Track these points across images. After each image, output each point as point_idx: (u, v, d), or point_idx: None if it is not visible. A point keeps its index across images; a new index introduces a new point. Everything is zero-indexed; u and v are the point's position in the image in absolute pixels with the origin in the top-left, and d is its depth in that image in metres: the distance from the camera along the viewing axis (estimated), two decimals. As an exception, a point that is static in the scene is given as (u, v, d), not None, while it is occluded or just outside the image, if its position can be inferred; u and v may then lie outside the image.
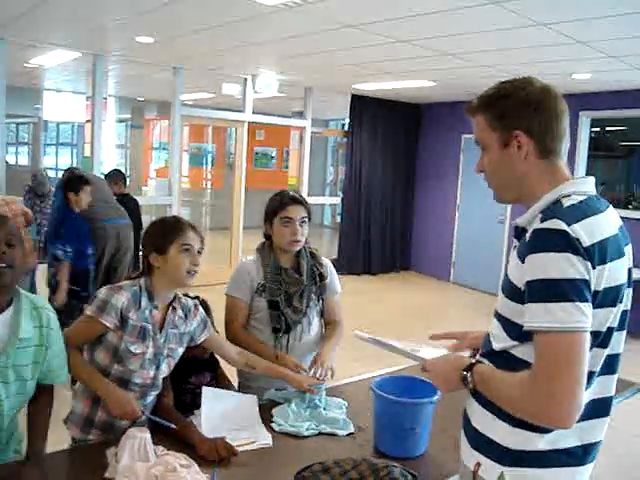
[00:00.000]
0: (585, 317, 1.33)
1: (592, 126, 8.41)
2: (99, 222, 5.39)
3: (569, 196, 1.46)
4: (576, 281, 1.33)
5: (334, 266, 3.03)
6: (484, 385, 1.50)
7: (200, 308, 2.51)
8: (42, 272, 6.07)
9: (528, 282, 1.39)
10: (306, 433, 2.30)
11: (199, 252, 2.32)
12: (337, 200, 11.15)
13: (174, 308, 2.37)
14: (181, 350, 2.41)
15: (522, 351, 1.45)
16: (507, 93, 1.54)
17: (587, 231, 1.37)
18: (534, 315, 1.36)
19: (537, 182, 1.53)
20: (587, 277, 1.34)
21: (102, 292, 2.23)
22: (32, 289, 6.61)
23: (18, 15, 5.51)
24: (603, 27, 4.68)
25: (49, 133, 14.15)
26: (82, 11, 5.27)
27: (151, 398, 2.37)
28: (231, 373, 2.84)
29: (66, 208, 5.00)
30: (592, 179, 1.55)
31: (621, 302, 1.46)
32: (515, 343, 1.48)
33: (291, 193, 2.82)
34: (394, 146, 10.51)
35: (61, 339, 2.09)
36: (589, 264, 1.34)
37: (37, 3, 5.05)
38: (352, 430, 2.35)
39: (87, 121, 8.79)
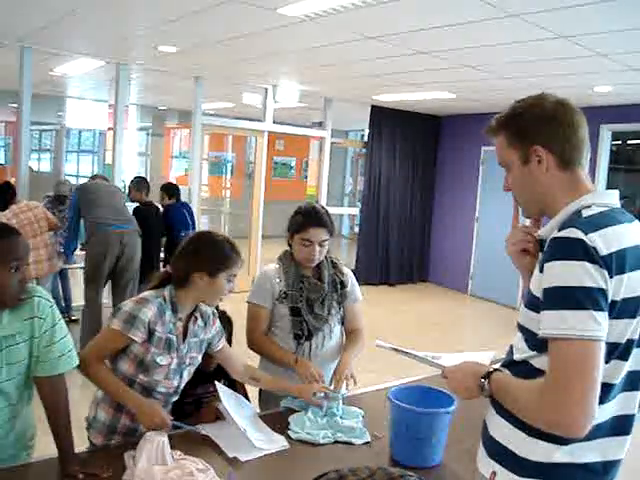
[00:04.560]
0: (600, 326, 1.32)
1: (613, 139, 8.36)
2: (103, 227, 5.53)
3: (589, 207, 1.47)
4: (592, 290, 1.33)
5: (352, 276, 3.04)
6: (500, 392, 1.51)
7: (217, 315, 2.52)
8: (76, 276, 6.17)
9: (544, 289, 1.39)
10: (322, 441, 2.31)
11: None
12: (355, 211, 11.16)
13: (195, 318, 2.38)
14: (200, 357, 2.43)
15: (540, 362, 1.45)
16: (521, 111, 1.58)
17: (604, 240, 1.36)
18: (549, 322, 1.37)
19: (560, 194, 1.54)
20: (604, 286, 1.34)
21: (128, 305, 2.21)
22: (65, 292, 6.71)
23: (44, 25, 5.60)
24: (623, 40, 4.67)
25: (71, 140, 14.28)
26: (107, 21, 5.36)
27: (171, 403, 2.40)
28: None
29: None
30: (616, 192, 1.55)
31: None
32: (534, 353, 1.48)
33: (315, 212, 2.73)
34: (413, 157, 10.51)
35: (53, 330, 1.99)
36: (606, 273, 1.34)
37: (62, 14, 5.13)
38: (368, 439, 2.35)
39: (109, 129, 8.91)
